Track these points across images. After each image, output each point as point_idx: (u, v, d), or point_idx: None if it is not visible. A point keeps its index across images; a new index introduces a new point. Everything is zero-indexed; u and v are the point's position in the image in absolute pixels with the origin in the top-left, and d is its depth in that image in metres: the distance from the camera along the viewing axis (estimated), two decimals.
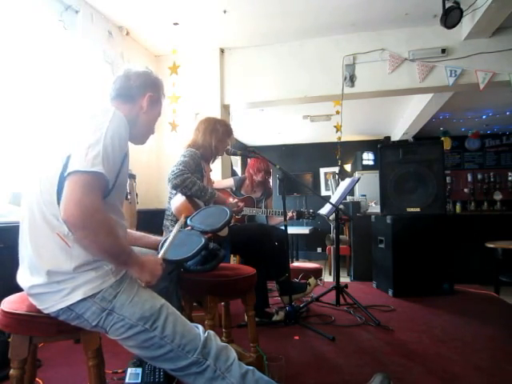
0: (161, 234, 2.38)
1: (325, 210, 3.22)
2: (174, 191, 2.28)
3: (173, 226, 2.32)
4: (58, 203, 1.10)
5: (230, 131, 2.61)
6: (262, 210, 3.14)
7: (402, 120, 6.47)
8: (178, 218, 2.21)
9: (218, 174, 4.00)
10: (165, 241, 1.51)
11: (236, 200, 2.64)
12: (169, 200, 2.41)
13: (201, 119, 2.64)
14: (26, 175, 1.27)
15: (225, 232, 2.14)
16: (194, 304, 1.86)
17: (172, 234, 1.44)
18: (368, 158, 7.26)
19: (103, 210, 1.08)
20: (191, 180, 2.19)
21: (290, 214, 2.99)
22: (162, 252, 1.33)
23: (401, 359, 2.09)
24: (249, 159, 3.23)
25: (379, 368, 1.90)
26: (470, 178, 7.28)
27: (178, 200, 2.17)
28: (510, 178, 7.02)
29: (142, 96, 1.38)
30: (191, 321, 1.26)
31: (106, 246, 1.09)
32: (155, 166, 4.21)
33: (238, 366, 1.19)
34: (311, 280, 2.98)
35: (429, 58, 3.69)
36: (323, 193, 7.89)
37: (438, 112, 5.53)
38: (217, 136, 2.50)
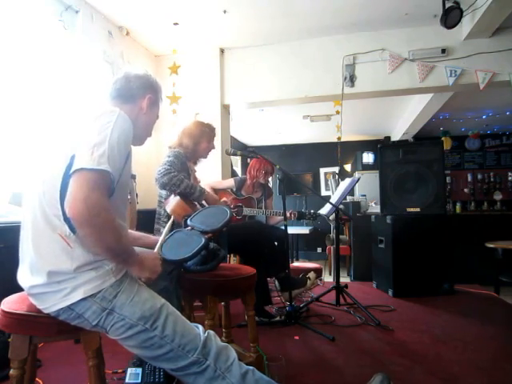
0: None
1: (325, 209, 3.22)
2: (164, 192, 2.28)
3: None
4: (61, 204, 1.10)
5: (207, 133, 2.54)
6: (262, 210, 3.13)
7: (402, 120, 6.47)
8: (175, 219, 2.21)
9: (218, 174, 4.00)
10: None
11: (224, 199, 2.63)
12: (158, 203, 2.40)
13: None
14: (28, 175, 1.27)
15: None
16: (194, 304, 1.86)
17: (164, 232, 1.49)
18: (368, 158, 7.26)
19: (109, 209, 1.07)
20: (178, 178, 2.19)
21: (289, 215, 2.97)
22: (157, 247, 1.37)
23: (401, 359, 2.09)
24: (249, 159, 3.22)
25: (379, 368, 1.90)
26: (469, 177, 7.27)
27: (173, 201, 2.16)
28: (510, 178, 7.01)
29: (143, 97, 1.41)
30: (191, 321, 1.26)
31: (110, 244, 1.09)
32: (155, 166, 4.17)
33: (238, 366, 1.19)
34: (311, 274, 2.98)
35: (429, 57, 3.68)
36: (323, 193, 7.89)
37: (438, 112, 5.52)
38: (197, 139, 2.48)
